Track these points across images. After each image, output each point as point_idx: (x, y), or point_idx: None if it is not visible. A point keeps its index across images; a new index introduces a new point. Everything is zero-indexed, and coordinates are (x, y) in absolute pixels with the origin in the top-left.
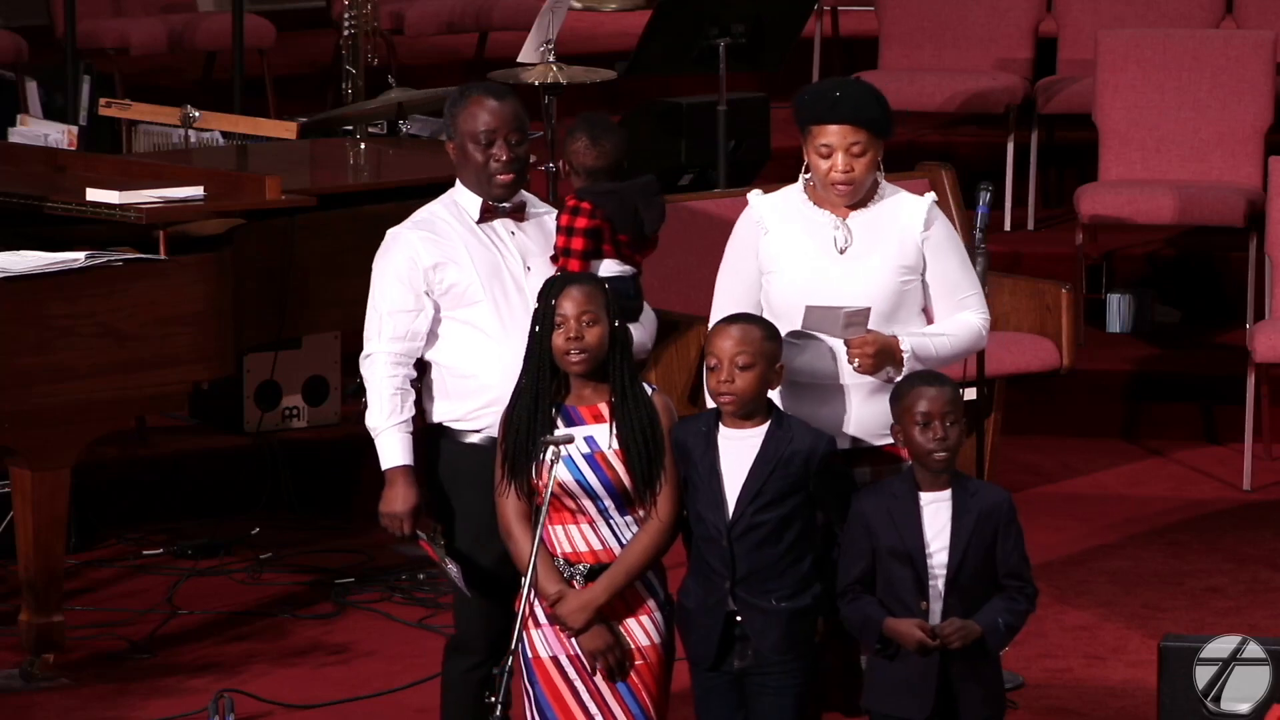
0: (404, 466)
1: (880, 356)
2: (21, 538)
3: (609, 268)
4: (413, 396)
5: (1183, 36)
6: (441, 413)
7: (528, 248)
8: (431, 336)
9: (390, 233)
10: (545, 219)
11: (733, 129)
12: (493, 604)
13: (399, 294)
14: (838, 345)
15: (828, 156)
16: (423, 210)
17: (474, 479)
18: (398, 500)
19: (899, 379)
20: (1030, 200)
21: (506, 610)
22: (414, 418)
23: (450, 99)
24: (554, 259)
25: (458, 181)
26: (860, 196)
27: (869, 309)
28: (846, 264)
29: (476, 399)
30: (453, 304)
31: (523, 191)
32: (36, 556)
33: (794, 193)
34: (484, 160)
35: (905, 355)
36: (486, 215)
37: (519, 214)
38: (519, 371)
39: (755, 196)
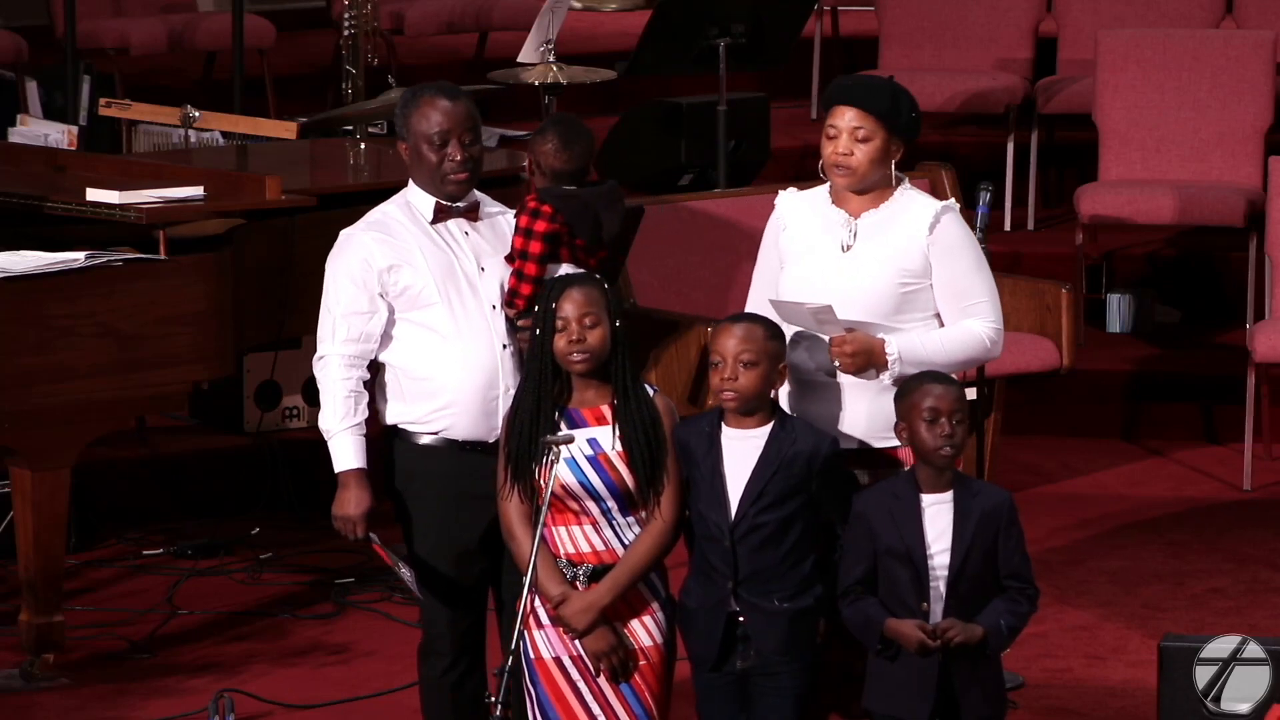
0: (357, 469)
1: (860, 356)
2: (21, 538)
3: (564, 271)
4: (366, 399)
5: (1183, 36)
6: (396, 414)
7: (481, 248)
8: (385, 338)
9: (343, 233)
10: (499, 219)
11: (733, 129)
12: (456, 606)
13: (353, 296)
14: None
15: (833, 138)
16: (375, 211)
17: (430, 480)
18: (350, 503)
19: (886, 379)
20: (1030, 200)
21: (471, 611)
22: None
23: (402, 100)
24: (509, 259)
25: (410, 182)
26: (860, 186)
27: (830, 305)
28: (846, 263)
29: (432, 401)
30: (407, 306)
31: (475, 191)
32: (36, 556)
33: (820, 192)
34: (438, 161)
35: (891, 357)
36: (440, 215)
37: (472, 214)
38: (473, 372)
39: (784, 194)
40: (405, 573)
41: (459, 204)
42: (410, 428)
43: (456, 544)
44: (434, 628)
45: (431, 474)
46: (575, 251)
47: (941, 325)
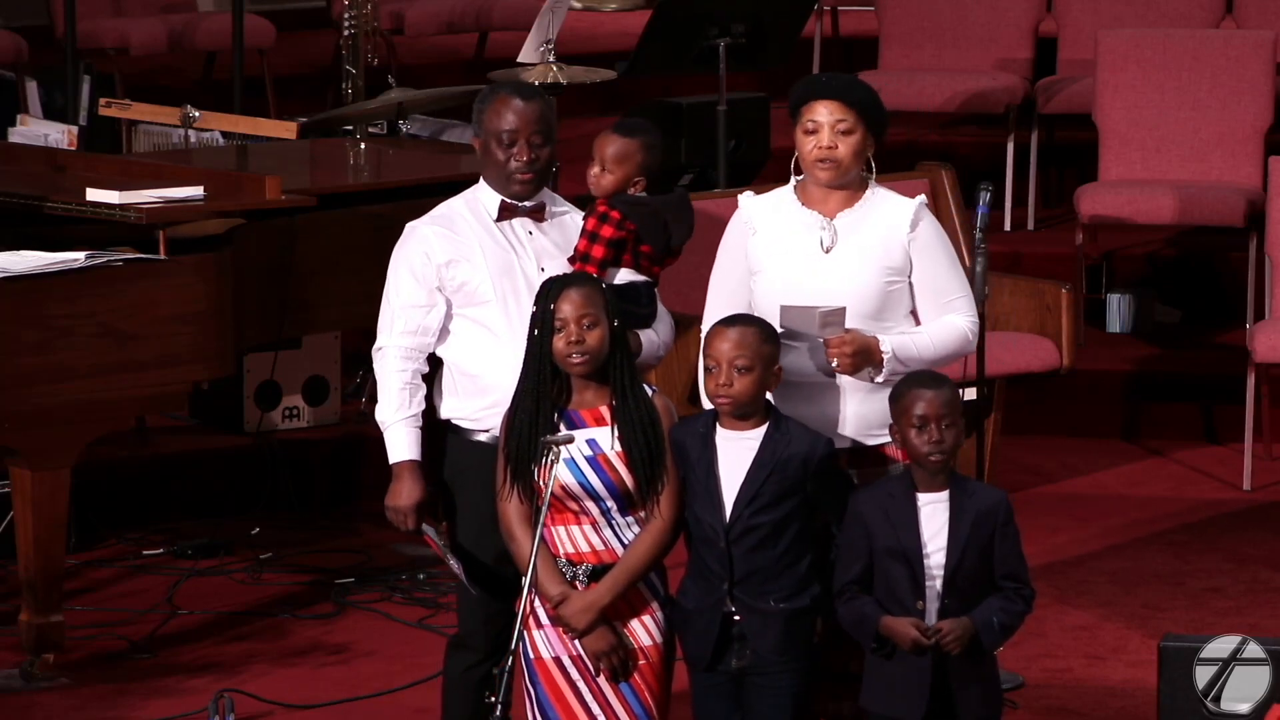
0: (410, 461)
1: (859, 356)
2: (21, 538)
3: (623, 276)
4: (423, 391)
5: (1183, 36)
6: (450, 409)
7: (545, 248)
8: (443, 333)
9: (408, 226)
10: (566, 219)
11: (733, 129)
12: (495, 602)
13: (411, 289)
14: (820, 343)
15: (813, 132)
16: (443, 205)
17: (479, 477)
18: (402, 494)
19: (879, 379)
20: (1030, 200)
21: (509, 609)
22: (424, 412)
23: (480, 95)
24: (572, 260)
25: (481, 178)
26: (843, 181)
27: (844, 308)
28: (830, 264)
29: (483, 398)
30: (463, 302)
31: (546, 190)
32: (36, 556)
33: (785, 194)
34: (505, 159)
35: (886, 355)
36: (505, 214)
37: (538, 214)
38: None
39: (745, 198)
40: (454, 564)
41: (525, 203)
42: (463, 423)
43: (499, 541)
44: (469, 623)
45: (480, 471)
46: (639, 258)
47: (917, 323)
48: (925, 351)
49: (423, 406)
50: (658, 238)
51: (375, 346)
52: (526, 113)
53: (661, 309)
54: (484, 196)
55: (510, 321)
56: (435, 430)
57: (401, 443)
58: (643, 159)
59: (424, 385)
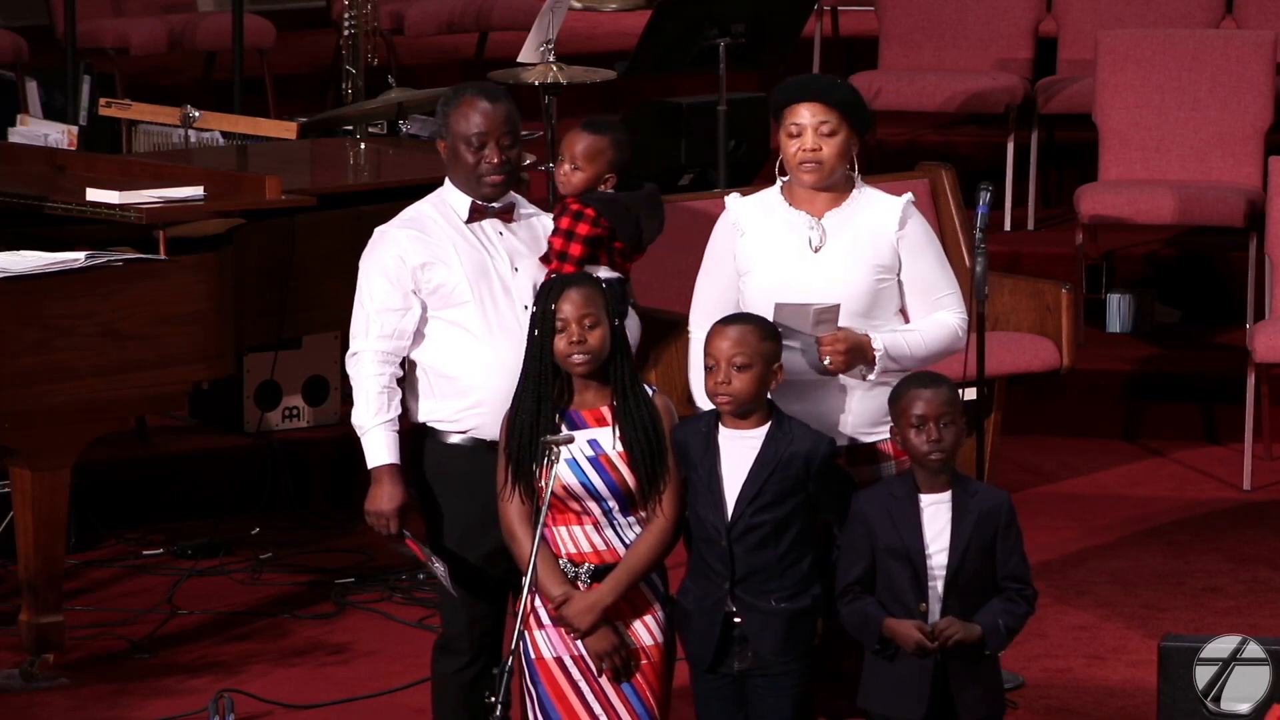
0: (390, 465)
1: (851, 354)
2: (21, 538)
3: (600, 274)
4: (399, 395)
5: (1183, 36)
6: (426, 412)
7: (515, 248)
8: (417, 336)
9: (378, 231)
10: (534, 220)
11: (733, 129)
12: (478, 604)
13: (387, 292)
14: (814, 341)
15: (797, 135)
16: (411, 209)
17: (458, 479)
18: (384, 499)
19: (871, 377)
20: (1030, 200)
21: (492, 610)
22: (400, 416)
23: (444, 98)
24: (545, 259)
25: (447, 180)
26: (828, 182)
27: (838, 305)
28: (820, 263)
29: (461, 400)
30: (440, 304)
31: (511, 192)
32: (36, 556)
33: (771, 194)
34: (475, 162)
35: (878, 353)
36: (475, 215)
37: (507, 215)
38: (503, 372)
39: (732, 199)
40: (439, 568)
41: (494, 204)
42: (440, 426)
43: (481, 544)
44: (454, 626)
45: (459, 473)
46: (613, 255)
47: (906, 320)
48: (917, 349)
49: (399, 410)
50: (631, 234)
51: (350, 352)
52: (494, 115)
53: (629, 308)
54: (452, 199)
55: (488, 322)
56: (414, 433)
57: (381, 447)
58: (613, 155)
59: (400, 389)
